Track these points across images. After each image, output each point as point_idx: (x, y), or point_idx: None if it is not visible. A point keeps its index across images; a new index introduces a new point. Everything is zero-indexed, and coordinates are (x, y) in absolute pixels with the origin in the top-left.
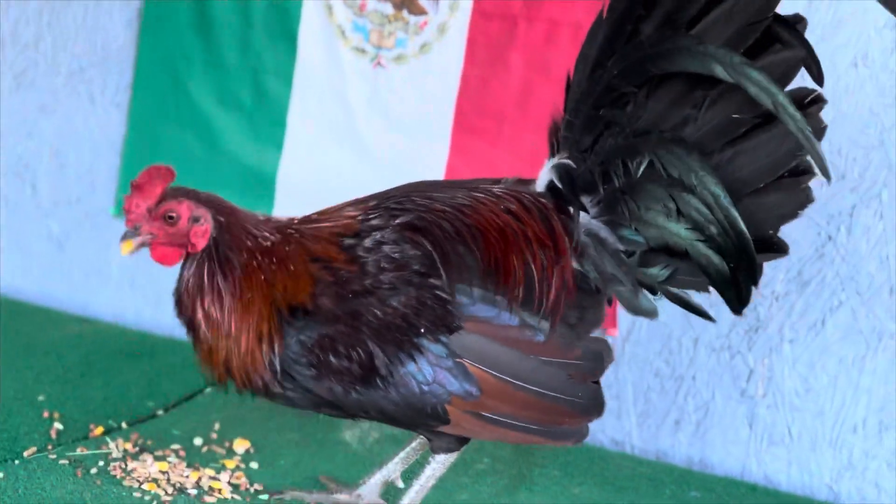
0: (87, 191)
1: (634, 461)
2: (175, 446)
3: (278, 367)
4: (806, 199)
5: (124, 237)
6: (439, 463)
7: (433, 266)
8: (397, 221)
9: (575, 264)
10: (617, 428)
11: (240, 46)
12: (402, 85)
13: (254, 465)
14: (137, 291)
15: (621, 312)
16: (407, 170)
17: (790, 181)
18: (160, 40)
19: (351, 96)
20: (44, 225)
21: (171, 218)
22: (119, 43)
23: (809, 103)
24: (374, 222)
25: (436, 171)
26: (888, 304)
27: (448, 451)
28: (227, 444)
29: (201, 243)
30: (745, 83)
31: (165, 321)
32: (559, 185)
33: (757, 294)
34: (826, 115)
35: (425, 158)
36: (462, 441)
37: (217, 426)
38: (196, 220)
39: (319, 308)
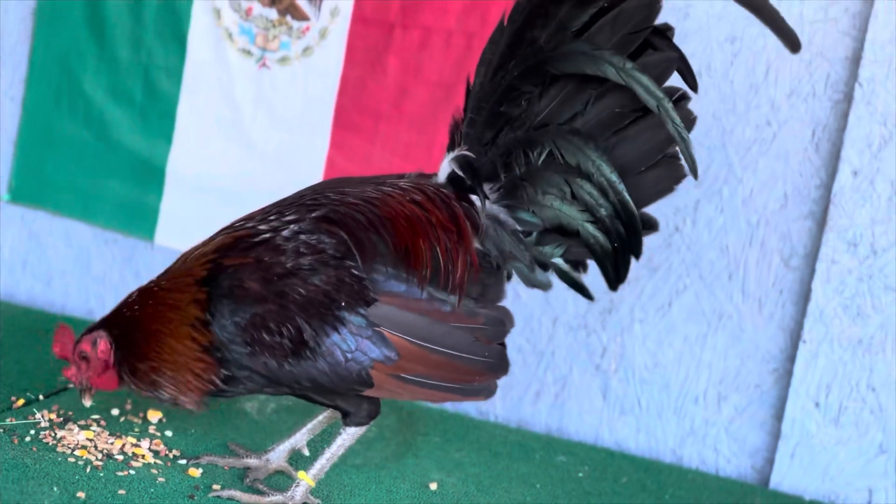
0: None
1: (505, 430)
2: (95, 416)
3: (220, 374)
4: (680, 174)
5: (81, 395)
6: (349, 435)
7: (348, 251)
8: (313, 215)
9: (477, 245)
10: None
11: (132, 44)
12: (285, 85)
13: (168, 433)
14: (28, 272)
15: None
16: (289, 163)
17: (665, 160)
18: (54, 37)
19: (238, 94)
20: None
21: (84, 357)
22: (14, 39)
23: (678, 99)
24: (289, 217)
25: (316, 164)
26: (727, 287)
27: (359, 424)
28: (141, 415)
29: (109, 356)
30: (634, 86)
31: (57, 300)
32: (461, 174)
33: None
34: None
35: (307, 153)
36: (372, 416)
37: (129, 399)
38: (95, 343)
39: (248, 291)
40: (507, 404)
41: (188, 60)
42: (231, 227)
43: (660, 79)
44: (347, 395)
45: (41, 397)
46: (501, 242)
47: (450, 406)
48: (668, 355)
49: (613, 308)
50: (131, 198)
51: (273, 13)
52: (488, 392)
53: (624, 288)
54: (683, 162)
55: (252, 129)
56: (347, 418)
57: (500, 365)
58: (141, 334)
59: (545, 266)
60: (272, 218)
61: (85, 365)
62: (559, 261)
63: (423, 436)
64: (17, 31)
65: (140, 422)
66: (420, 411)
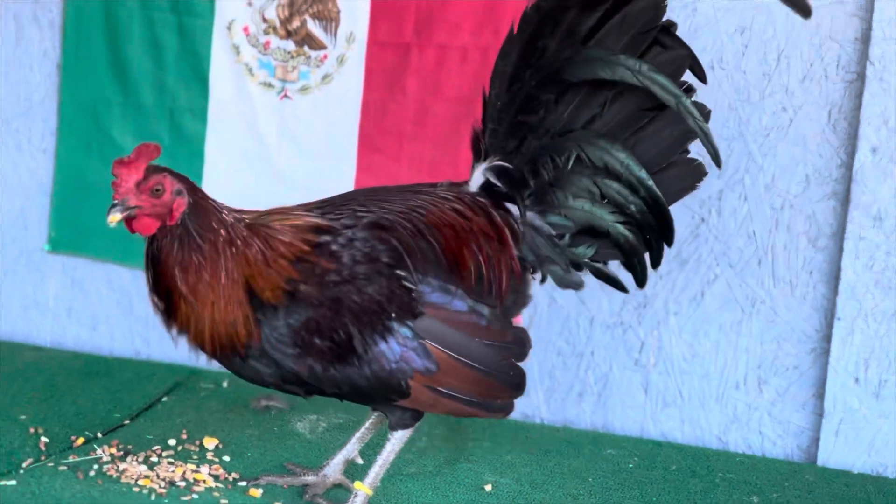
0: (20, 232)
1: (552, 429)
2: (154, 448)
3: (254, 344)
4: (701, 172)
5: (112, 209)
6: (398, 439)
7: (401, 259)
8: (365, 221)
9: (514, 251)
10: (526, 404)
11: (155, 89)
12: (307, 114)
13: (226, 458)
14: (74, 319)
15: None
16: (319, 190)
17: (685, 159)
18: (80, 88)
19: (262, 127)
20: None
21: (157, 191)
22: (42, 94)
23: (684, 91)
24: (344, 221)
25: (345, 188)
26: (758, 273)
27: (405, 427)
28: (197, 443)
29: (178, 215)
30: (653, 87)
31: (104, 344)
32: (498, 184)
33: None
34: None
35: (335, 178)
36: (416, 418)
37: (184, 428)
38: (178, 192)
39: (304, 295)
40: (552, 406)
41: (211, 99)
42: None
43: (674, 76)
44: (380, 403)
45: (99, 434)
46: (537, 247)
47: None
48: (704, 345)
49: (648, 303)
50: None
51: (290, 44)
52: (507, 410)
53: (656, 283)
54: (706, 153)
55: (279, 160)
56: (392, 420)
57: (520, 384)
58: (213, 240)
59: (578, 266)
60: (329, 217)
61: (147, 196)
62: (595, 260)
63: (473, 441)
64: (44, 85)
65: (197, 449)
66: (467, 419)
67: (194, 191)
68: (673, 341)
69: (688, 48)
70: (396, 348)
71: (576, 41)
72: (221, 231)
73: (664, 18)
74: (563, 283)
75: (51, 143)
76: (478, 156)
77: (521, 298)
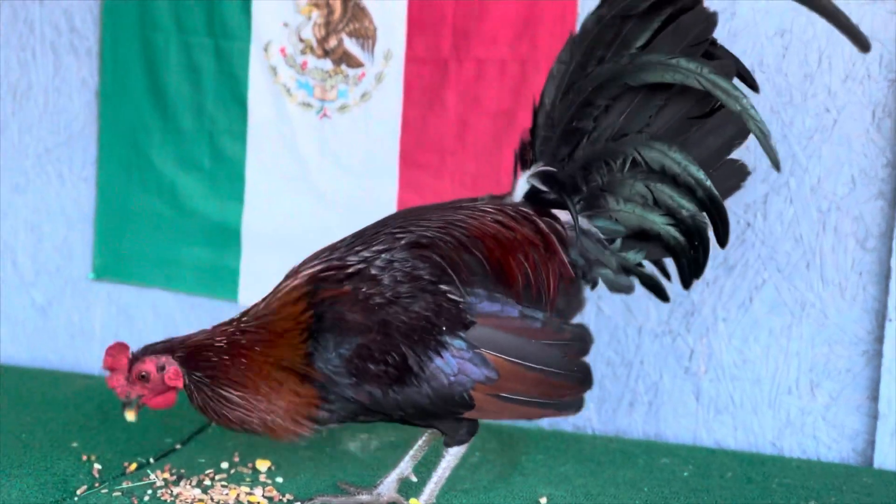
0: (65, 260)
1: (604, 440)
2: (207, 471)
3: (319, 404)
4: (744, 172)
5: (124, 409)
6: (453, 455)
7: (444, 273)
8: (403, 242)
9: (564, 256)
10: (578, 415)
11: (194, 113)
12: (347, 132)
13: (279, 479)
14: None
15: None
16: (361, 208)
17: (729, 161)
18: (119, 115)
19: (302, 147)
20: (27, 295)
21: (144, 377)
22: (81, 122)
23: None
24: (378, 247)
25: (388, 206)
26: (806, 276)
27: (461, 443)
28: (250, 466)
29: (180, 382)
30: (716, 91)
31: None
32: (545, 188)
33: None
34: None
35: (377, 196)
36: (472, 432)
37: (236, 451)
38: (162, 368)
39: (351, 322)
40: (603, 417)
41: (250, 121)
42: (316, 257)
43: None
44: (446, 418)
45: (152, 460)
46: (587, 251)
47: (546, 425)
48: (755, 350)
49: (696, 310)
50: (211, 262)
51: (328, 63)
52: (578, 406)
53: (703, 289)
54: (765, 156)
55: (320, 180)
56: (448, 438)
57: (587, 379)
58: (234, 362)
59: (628, 270)
60: (359, 248)
61: (140, 385)
62: (644, 263)
63: (525, 455)
64: (83, 114)
65: (250, 472)
66: (519, 433)
67: (176, 347)
68: (723, 348)
69: (732, 56)
70: (452, 361)
71: (630, 51)
72: (222, 356)
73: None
74: (614, 287)
75: (92, 171)
76: (523, 164)
77: (574, 302)
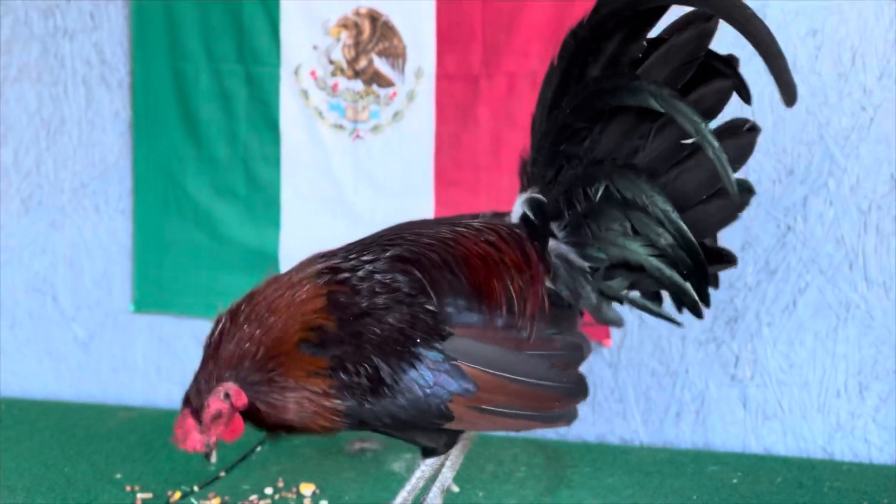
0: (104, 294)
1: (651, 451)
2: (252, 497)
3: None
4: (742, 203)
5: (207, 458)
6: (428, 466)
7: (423, 289)
8: (388, 254)
9: (549, 285)
10: (624, 428)
11: (227, 140)
12: (381, 153)
13: (324, 503)
14: (164, 377)
15: None
16: None
17: (721, 190)
18: (153, 146)
19: (336, 170)
20: (69, 330)
21: (219, 416)
22: (115, 155)
23: (748, 130)
24: (366, 257)
25: None
26: (850, 278)
27: (437, 456)
28: (294, 490)
29: (243, 400)
30: (674, 113)
31: None
32: (533, 218)
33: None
34: (768, 119)
35: (413, 215)
36: (448, 446)
37: (280, 476)
38: (227, 396)
39: (331, 335)
40: (650, 428)
41: (283, 146)
42: (315, 261)
43: (718, 104)
44: (428, 430)
45: (196, 488)
46: (571, 282)
47: (593, 437)
48: (801, 354)
49: (739, 317)
50: (250, 288)
51: (359, 84)
52: (569, 418)
53: (746, 295)
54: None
55: (356, 202)
56: (426, 452)
57: (579, 390)
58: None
59: (619, 300)
60: (353, 256)
61: (214, 426)
62: (635, 294)
63: (572, 468)
64: (117, 146)
65: (294, 496)
66: (565, 446)
67: (215, 372)
68: (768, 353)
69: (736, 78)
70: (428, 374)
71: (619, 70)
72: (270, 363)
73: (727, 53)
74: (599, 319)
75: (128, 203)
76: (522, 186)
77: (563, 326)
